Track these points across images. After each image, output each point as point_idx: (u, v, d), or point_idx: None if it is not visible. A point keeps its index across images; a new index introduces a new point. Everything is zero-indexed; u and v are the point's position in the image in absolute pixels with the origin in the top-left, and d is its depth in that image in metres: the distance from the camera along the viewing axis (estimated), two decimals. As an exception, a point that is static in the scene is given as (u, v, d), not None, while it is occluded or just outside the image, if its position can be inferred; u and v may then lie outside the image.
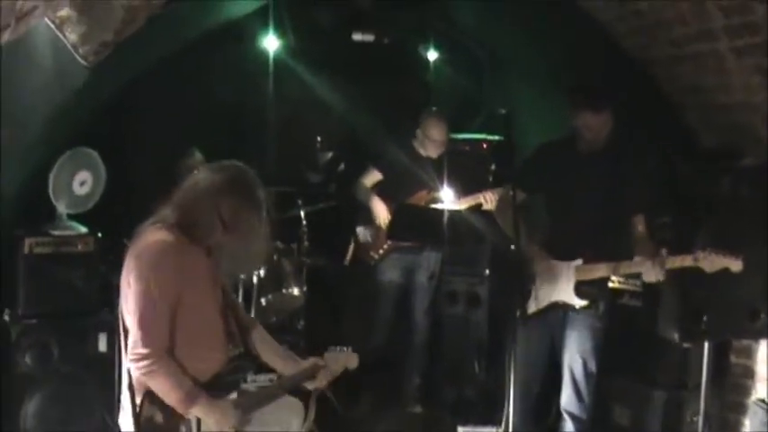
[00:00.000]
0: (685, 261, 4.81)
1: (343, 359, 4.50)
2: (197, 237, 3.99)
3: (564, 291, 5.23)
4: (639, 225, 5.25)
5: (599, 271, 5.13)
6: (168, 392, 3.83)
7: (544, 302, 5.27)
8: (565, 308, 5.30)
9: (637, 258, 4.99)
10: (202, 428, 3.89)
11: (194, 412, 3.87)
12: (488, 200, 6.31)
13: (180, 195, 4.02)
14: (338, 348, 4.52)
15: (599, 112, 5.16)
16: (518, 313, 4.92)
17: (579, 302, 5.21)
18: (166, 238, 3.89)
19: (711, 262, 4.75)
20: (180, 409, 3.85)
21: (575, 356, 5.36)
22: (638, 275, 5.08)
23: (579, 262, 5.17)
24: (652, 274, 4.86)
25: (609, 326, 5.43)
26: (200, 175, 4.05)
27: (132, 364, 3.82)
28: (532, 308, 5.24)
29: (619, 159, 5.27)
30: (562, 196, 5.34)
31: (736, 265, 4.75)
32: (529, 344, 5.24)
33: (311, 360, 4.44)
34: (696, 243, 4.98)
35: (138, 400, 3.89)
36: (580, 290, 5.18)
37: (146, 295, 3.82)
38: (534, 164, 5.55)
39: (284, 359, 4.47)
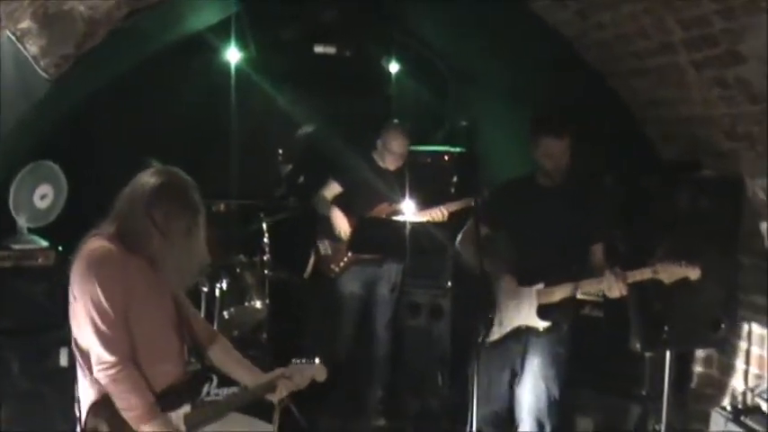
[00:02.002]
0: (645, 274, 4.89)
1: (310, 371, 4.41)
2: (135, 246, 3.90)
3: (526, 314, 5.24)
4: (597, 253, 5.34)
5: (561, 292, 5.17)
6: (130, 403, 3.78)
7: (507, 328, 5.29)
8: (528, 332, 5.31)
9: (596, 276, 5.04)
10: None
11: (147, 429, 3.81)
12: (443, 214, 6.38)
13: (117, 205, 3.95)
14: (304, 360, 4.47)
15: (560, 137, 5.21)
16: (480, 340, 4.97)
17: (542, 324, 5.23)
18: (105, 245, 3.83)
19: (670, 273, 4.84)
20: (135, 424, 3.80)
21: (538, 383, 5.37)
22: (599, 293, 5.14)
23: (541, 286, 5.20)
24: (615, 290, 4.91)
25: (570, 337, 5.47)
26: (135, 183, 3.95)
27: (100, 375, 3.77)
28: (496, 335, 5.27)
29: (577, 193, 5.36)
30: (525, 230, 5.37)
31: (694, 273, 4.83)
32: (491, 371, 5.27)
33: (276, 371, 4.37)
34: (656, 255, 5.04)
35: (83, 413, 3.86)
36: (543, 312, 5.21)
37: (95, 305, 3.75)
38: (497, 202, 5.58)
39: (249, 372, 4.40)
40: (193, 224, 3.95)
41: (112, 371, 3.75)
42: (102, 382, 3.79)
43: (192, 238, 3.96)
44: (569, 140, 5.22)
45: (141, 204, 3.87)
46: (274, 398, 4.36)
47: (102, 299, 3.75)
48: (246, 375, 4.39)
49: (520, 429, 5.47)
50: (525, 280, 5.27)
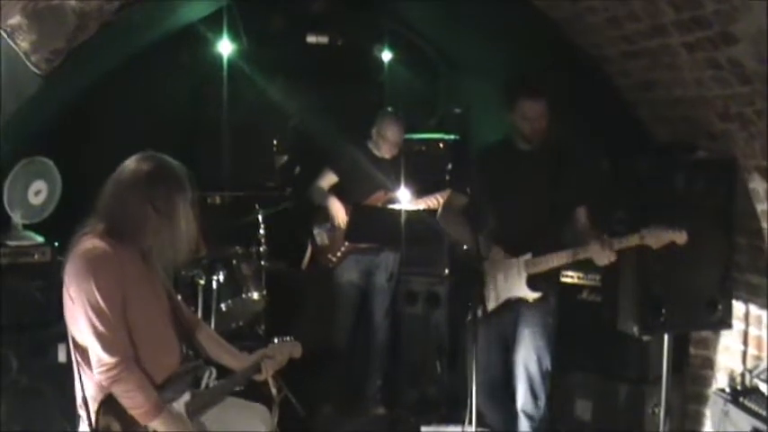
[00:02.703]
0: (632, 241, 4.90)
1: (288, 349, 4.54)
2: (130, 235, 3.93)
3: (516, 286, 5.24)
4: (582, 217, 5.32)
5: (549, 261, 5.17)
6: (135, 401, 3.80)
7: (499, 300, 5.28)
8: (518, 303, 5.31)
9: (583, 245, 5.04)
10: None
11: (154, 425, 3.84)
12: (439, 202, 6.36)
13: (104, 199, 3.95)
14: (282, 339, 4.57)
15: (537, 99, 5.18)
16: (477, 313, 4.97)
17: (533, 295, 5.23)
18: (98, 245, 3.83)
19: (657, 237, 4.84)
20: (143, 420, 3.83)
21: (530, 354, 5.37)
22: (588, 262, 5.12)
23: (528, 256, 5.19)
24: (603, 257, 4.93)
25: (568, 321, 5.48)
26: (123, 172, 3.96)
27: (101, 376, 3.77)
28: (490, 307, 5.24)
29: (556, 154, 5.34)
30: (506, 195, 5.35)
31: (680, 238, 4.84)
32: (485, 344, 5.27)
33: (258, 352, 4.47)
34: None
35: (93, 411, 3.86)
36: (532, 283, 5.21)
37: (93, 307, 3.76)
38: (476, 168, 5.55)
39: (233, 356, 4.48)
40: (188, 201, 4.02)
41: (114, 371, 3.76)
42: (105, 383, 3.80)
43: (188, 215, 4.02)
44: (545, 103, 5.20)
45: (138, 189, 3.89)
46: (260, 378, 4.45)
47: (100, 300, 3.76)
48: (232, 359, 4.46)
49: (517, 400, 5.45)
50: (510, 249, 5.25)
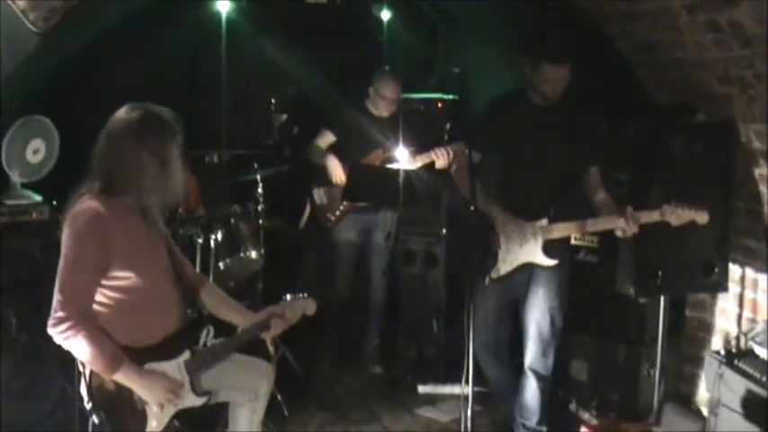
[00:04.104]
0: (653, 216, 4.88)
1: (301, 305, 4.53)
2: (127, 185, 3.97)
3: (532, 251, 5.22)
4: (594, 176, 5.28)
5: (566, 230, 5.18)
6: (89, 358, 3.81)
7: (513, 264, 5.26)
8: (531, 266, 5.31)
9: (604, 216, 5.03)
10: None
11: (119, 379, 3.86)
12: (440, 156, 6.31)
13: (98, 154, 3.98)
14: (295, 295, 4.55)
15: (561, 64, 5.10)
16: (487, 278, 4.99)
17: (549, 262, 5.23)
18: (92, 205, 3.86)
19: (678, 216, 4.82)
20: (104, 375, 3.85)
21: (543, 313, 5.39)
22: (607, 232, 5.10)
23: (544, 222, 5.17)
24: (627, 230, 4.89)
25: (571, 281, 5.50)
26: (113, 124, 3.99)
27: (51, 329, 3.79)
28: (501, 271, 5.25)
29: (569, 112, 5.27)
30: (517, 152, 5.31)
31: (701, 218, 4.82)
32: (494, 303, 5.29)
33: (268, 309, 4.47)
34: (650, 199, 5.05)
35: (87, 369, 3.90)
36: (548, 249, 5.21)
37: (65, 260, 3.83)
38: (487, 122, 5.48)
39: (241, 313, 4.49)
40: (179, 145, 4.06)
41: (61, 326, 3.76)
42: (55, 339, 3.82)
43: (179, 160, 4.07)
44: (567, 67, 5.11)
45: (131, 138, 3.92)
46: (268, 336, 4.47)
47: (75, 259, 3.82)
48: (238, 317, 4.47)
49: (526, 357, 5.50)
50: (523, 210, 5.22)
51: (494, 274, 5.19)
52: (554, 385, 5.69)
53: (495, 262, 5.21)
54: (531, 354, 5.47)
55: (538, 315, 5.40)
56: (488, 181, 5.36)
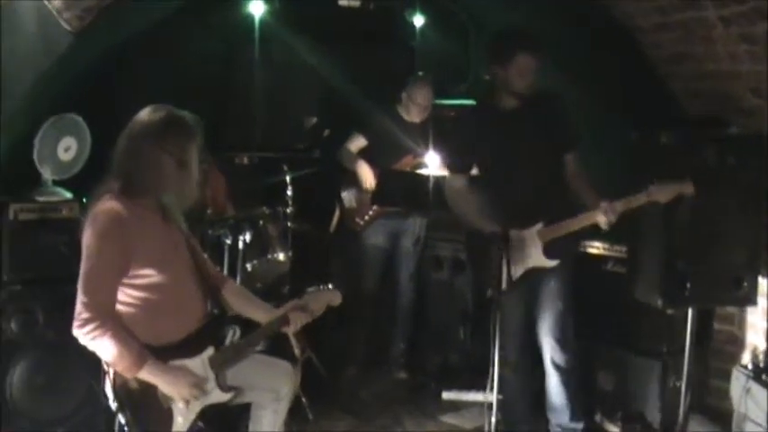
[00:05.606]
0: (639, 200, 4.90)
1: (325, 297, 4.51)
2: (146, 187, 4.02)
3: (535, 257, 5.24)
4: (570, 166, 5.34)
5: (560, 229, 5.16)
6: (115, 357, 3.84)
7: (519, 272, 5.25)
8: (537, 271, 5.32)
9: (585, 212, 5.07)
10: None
11: (143, 377, 3.89)
12: None
13: (118, 154, 4.02)
14: (319, 287, 4.53)
15: (536, 53, 5.15)
16: (502, 287, 4.98)
17: (551, 263, 5.25)
18: (112, 206, 3.90)
19: (664, 192, 4.84)
20: (127, 374, 3.88)
21: (556, 303, 5.43)
22: (614, 233, 5.14)
23: (540, 225, 5.19)
24: (604, 221, 4.94)
25: (592, 292, 5.48)
26: (134, 125, 4.03)
27: (77, 330, 3.83)
28: (517, 274, 5.24)
29: (543, 107, 5.30)
30: (499, 164, 5.36)
31: (687, 188, 4.84)
32: (510, 310, 5.28)
33: (290, 303, 4.45)
34: (679, 213, 5.02)
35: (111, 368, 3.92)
36: (549, 251, 5.21)
37: (88, 262, 3.86)
38: (462, 137, 5.56)
39: (262, 309, 4.49)
40: (198, 148, 4.11)
41: (87, 327, 3.80)
42: (81, 341, 3.85)
43: (196, 162, 4.11)
44: (541, 58, 5.17)
45: (152, 139, 3.97)
46: (289, 330, 4.45)
47: (98, 259, 3.87)
48: (260, 312, 4.47)
49: (544, 355, 5.52)
50: (519, 219, 5.19)
51: (506, 285, 5.19)
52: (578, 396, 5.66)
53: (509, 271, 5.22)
54: (549, 347, 5.48)
55: (550, 307, 5.43)
56: (480, 198, 5.39)
